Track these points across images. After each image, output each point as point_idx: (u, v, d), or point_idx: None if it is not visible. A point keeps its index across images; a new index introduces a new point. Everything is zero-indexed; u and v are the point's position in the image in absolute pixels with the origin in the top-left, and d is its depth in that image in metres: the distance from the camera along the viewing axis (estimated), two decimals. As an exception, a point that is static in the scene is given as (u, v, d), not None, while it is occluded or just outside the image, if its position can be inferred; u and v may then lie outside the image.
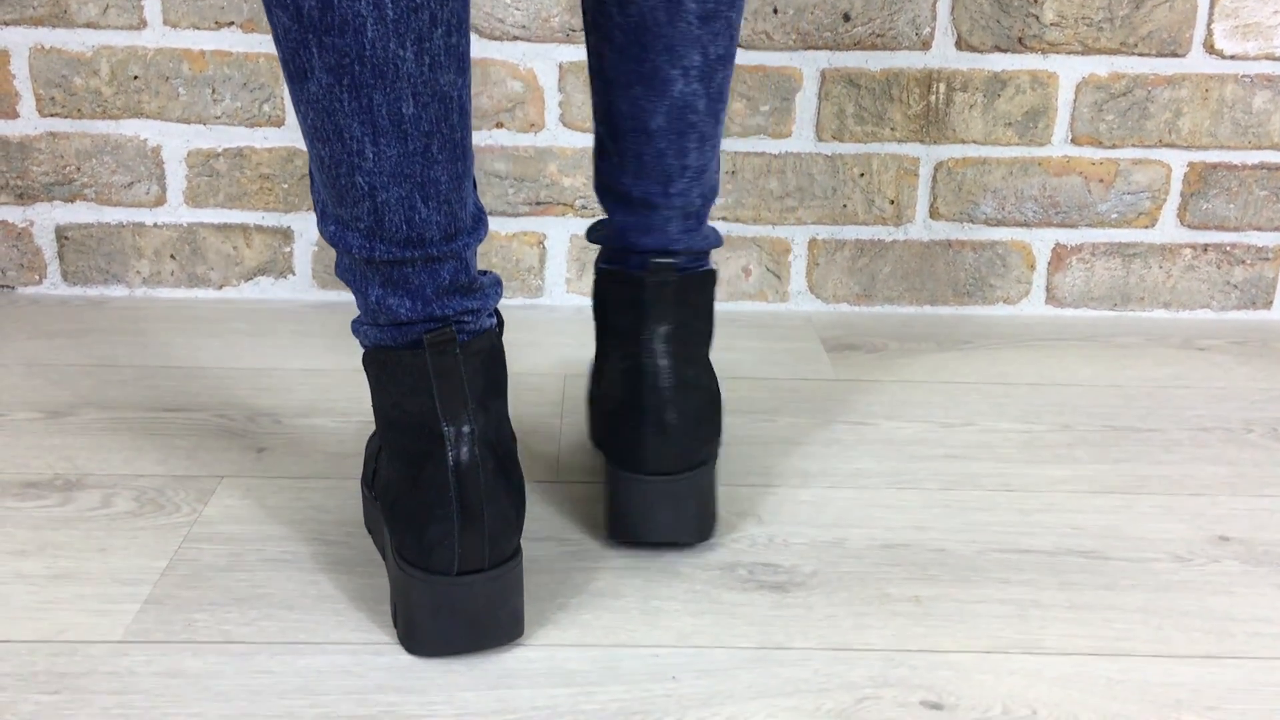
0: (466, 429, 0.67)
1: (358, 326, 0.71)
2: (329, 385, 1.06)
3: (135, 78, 1.21)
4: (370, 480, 0.79)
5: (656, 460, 0.76)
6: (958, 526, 0.86)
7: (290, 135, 1.23)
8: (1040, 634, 0.73)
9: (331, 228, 0.67)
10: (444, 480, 0.66)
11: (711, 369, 0.80)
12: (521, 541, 0.80)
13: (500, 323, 0.74)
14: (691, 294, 0.79)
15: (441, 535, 0.66)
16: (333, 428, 0.98)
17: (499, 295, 0.72)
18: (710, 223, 1.26)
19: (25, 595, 0.74)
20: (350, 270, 0.68)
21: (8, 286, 1.27)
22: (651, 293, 0.77)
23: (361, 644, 0.70)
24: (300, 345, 1.16)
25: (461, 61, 0.64)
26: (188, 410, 1.01)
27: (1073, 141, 1.26)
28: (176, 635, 0.71)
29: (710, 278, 0.81)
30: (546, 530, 0.84)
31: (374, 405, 0.71)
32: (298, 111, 0.64)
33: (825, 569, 0.80)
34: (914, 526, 0.86)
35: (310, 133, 0.64)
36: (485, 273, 0.72)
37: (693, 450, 0.77)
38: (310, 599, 0.75)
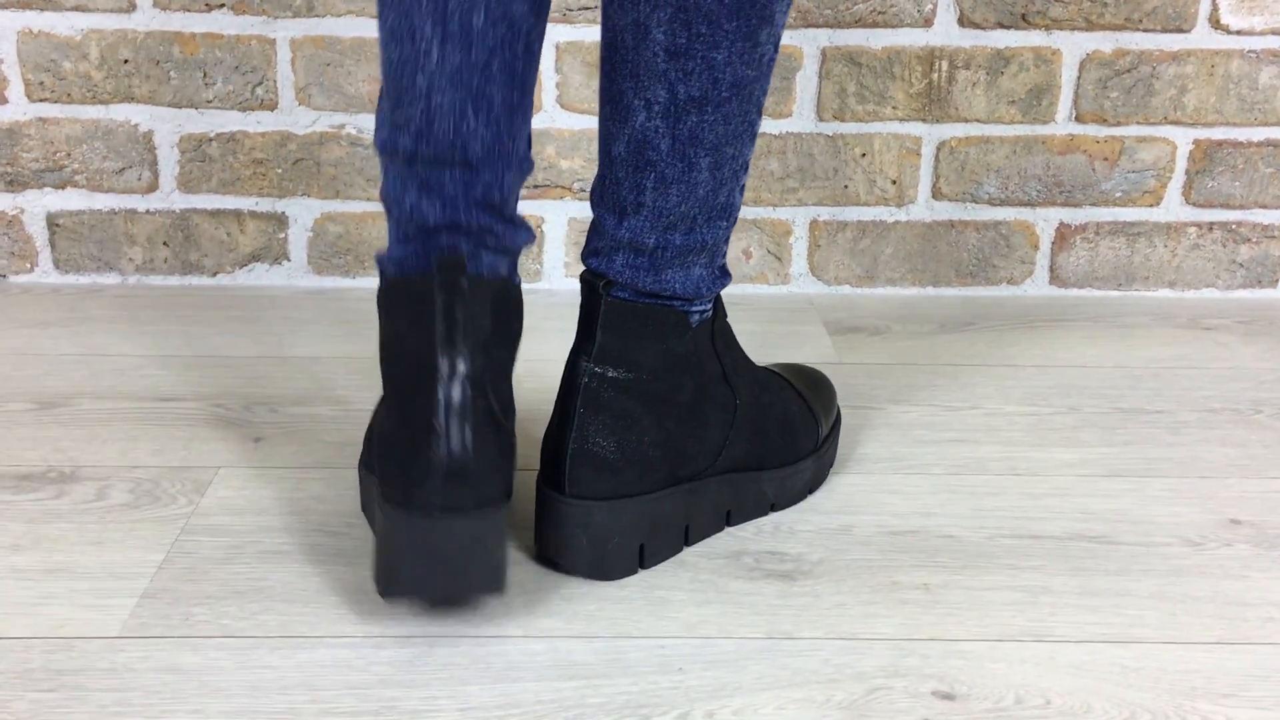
0: (462, 367, 0.66)
1: (381, 259, 0.72)
2: (325, 374, 1.05)
3: (125, 61, 1.19)
4: (369, 462, 0.78)
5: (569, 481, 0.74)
6: (966, 512, 0.85)
7: (283, 119, 1.21)
8: (1052, 621, 0.72)
9: (385, 133, 0.69)
10: (431, 414, 0.66)
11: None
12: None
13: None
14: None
15: (425, 472, 0.65)
16: (330, 417, 0.97)
17: (529, 239, 0.72)
18: None
19: (20, 590, 0.73)
20: (392, 183, 0.70)
21: (-1, 275, 1.26)
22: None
23: (362, 638, 0.69)
24: (296, 333, 1.14)
25: (538, 4, 0.66)
26: (183, 400, 0.99)
27: (1077, 119, 1.24)
28: (174, 630, 0.69)
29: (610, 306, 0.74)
30: (549, 519, 0.82)
31: (380, 344, 0.71)
32: (380, 17, 0.68)
33: (832, 557, 0.79)
34: (921, 512, 0.84)
35: (387, 36, 0.68)
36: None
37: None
38: (310, 592, 0.73)
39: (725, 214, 0.74)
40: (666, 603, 0.73)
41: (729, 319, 1.20)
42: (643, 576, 0.76)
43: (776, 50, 0.71)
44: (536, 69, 0.69)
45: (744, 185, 0.76)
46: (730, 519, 0.82)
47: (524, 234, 0.72)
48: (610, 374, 0.73)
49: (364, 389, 1.02)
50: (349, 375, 1.05)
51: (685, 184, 0.71)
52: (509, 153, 0.69)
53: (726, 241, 0.76)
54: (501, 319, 0.69)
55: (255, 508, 0.83)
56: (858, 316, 1.22)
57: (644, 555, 0.76)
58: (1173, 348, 1.15)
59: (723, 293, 1.28)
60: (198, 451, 0.90)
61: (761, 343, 1.15)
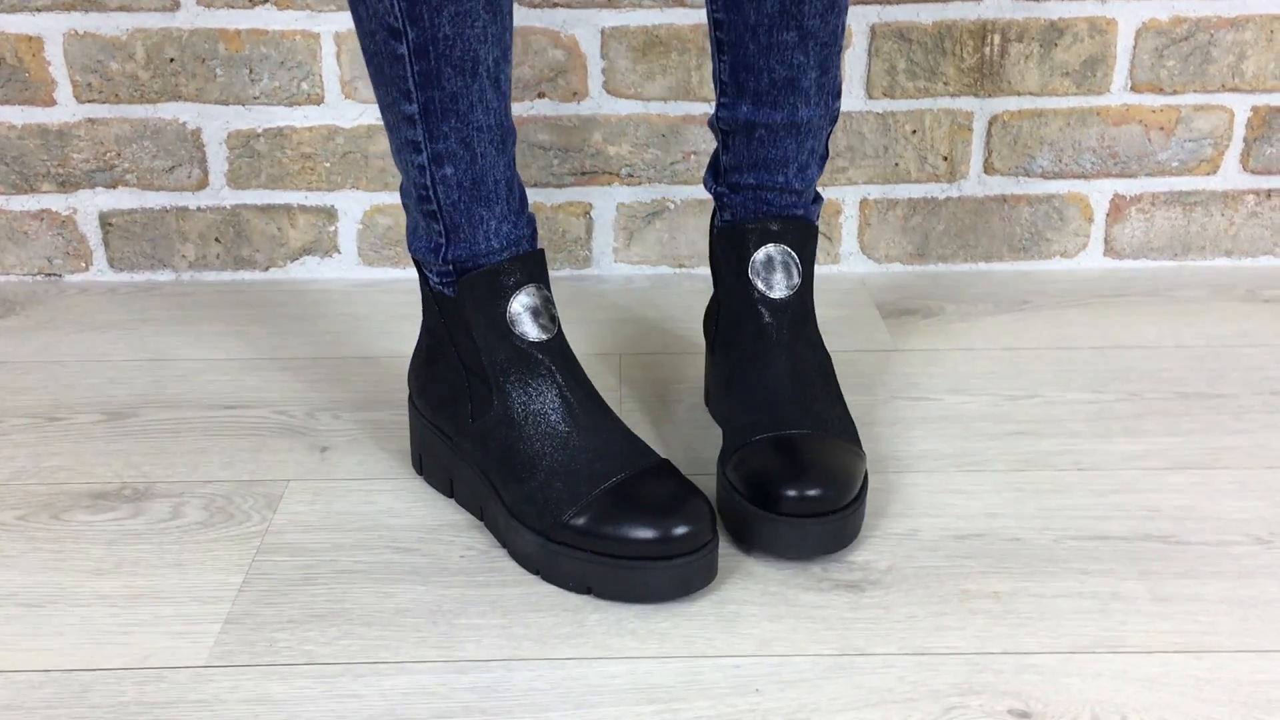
0: None
1: None
2: (383, 375, 1.06)
3: (171, 60, 1.19)
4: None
5: None
6: (1031, 513, 0.85)
7: (330, 113, 1.21)
8: (1123, 630, 0.73)
9: None
10: None
11: None
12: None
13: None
14: None
15: None
16: (392, 423, 0.97)
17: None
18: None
19: (107, 618, 0.75)
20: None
21: (55, 275, 1.27)
22: None
23: (443, 662, 0.70)
24: (352, 330, 1.15)
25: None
26: (247, 407, 1.00)
27: (1132, 89, 1.22)
28: (260, 657, 0.71)
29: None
30: (616, 529, 0.83)
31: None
32: None
33: (900, 564, 0.79)
34: (987, 514, 0.85)
35: None
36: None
37: None
38: (388, 613, 0.75)
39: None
40: (739, 618, 0.74)
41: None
42: (714, 590, 0.77)
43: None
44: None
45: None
46: (482, 515, 0.83)
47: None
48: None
49: (423, 391, 1.03)
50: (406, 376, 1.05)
51: None
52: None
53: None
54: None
55: (327, 523, 0.84)
56: (910, 297, 1.21)
57: (421, 463, 0.89)
58: (1233, 323, 1.14)
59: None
60: (266, 463, 0.92)
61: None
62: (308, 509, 0.86)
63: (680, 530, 0.73)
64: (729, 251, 0.87)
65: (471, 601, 0.76)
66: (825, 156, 0.88)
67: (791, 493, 0.75)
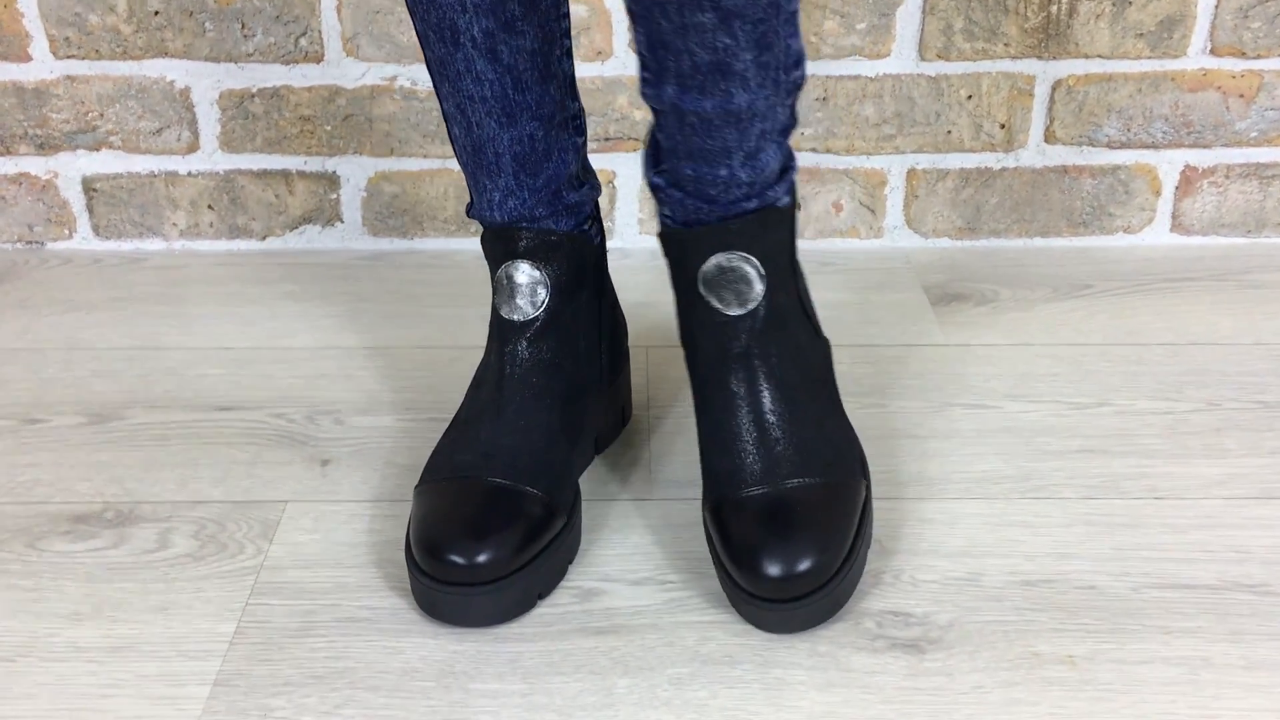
0: None
1: None
2: (390, 369, 0.97)
3: (156, 13, 1.08)
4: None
5: None
6: (1106, 553, 0.76)
7: (330, 72, 1.11)
8: (1216, 707, 0.65)
9: None
10: None
11: None
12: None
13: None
14: None
15: None
16: (399, 429, 0.89)
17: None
18: (798, 151, 1.14)
19: (85, 676, 0.67)
20: None
21: (36, 242, 1.18)
22: None
23: (457, 739, 0.63)
24: (356, 313, 1.06)
25: None
26: (242, 408, 0.92)
27: (1211, 52, 1.10)
28: (252, 730, 0.64)
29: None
30: (645, 568, 0.75)
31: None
32: None
33: (963, 617, 0.71)
34: (1056, 554, 0.76)
35: None
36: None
37: None
38: (394, 675, 0.67)
39: None
40: (784, 685, 0.66)
41: (816, 279, 1.09)
42: (755, 648, 0.69)
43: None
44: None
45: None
46: None
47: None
48: None
49: (433, 393, 0.94)
50: (415, 371, 0.97)
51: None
52: None
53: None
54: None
55: (328, 558, 0.76)
56: (960, 279, 1.12)
57: None
58: (1314, 315, 1.05)
59: (808, 247, 1.18)
60: (262, 480, 0.84)
61: (858, 318, 1.05)
62: (307, 538, 0.78)
63: (420, 553, 0.70)
64: (673, 261, 0.74)
65: (488, 660, 0.68)
66: (790, 126, 0.71)
67: (773, 571, 0.67)
